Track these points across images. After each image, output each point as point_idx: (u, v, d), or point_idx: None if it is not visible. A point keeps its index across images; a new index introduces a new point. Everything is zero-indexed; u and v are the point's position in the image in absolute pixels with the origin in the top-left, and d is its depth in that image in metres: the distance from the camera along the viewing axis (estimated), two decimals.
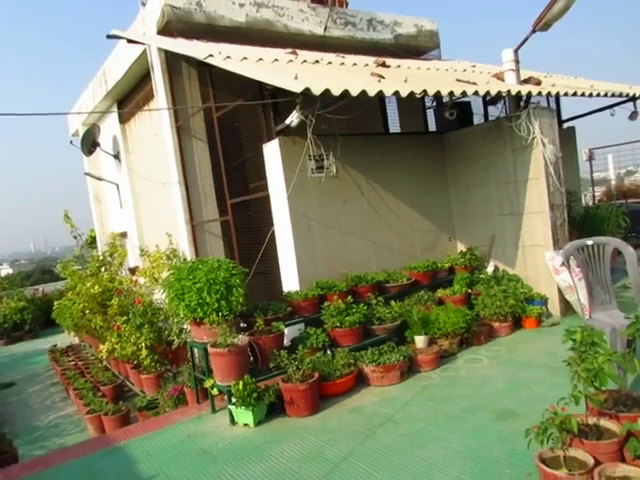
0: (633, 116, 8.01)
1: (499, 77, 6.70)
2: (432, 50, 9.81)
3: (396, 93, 4.77)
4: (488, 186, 6.66)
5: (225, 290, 4.36)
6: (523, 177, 6.17)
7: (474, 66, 8.74)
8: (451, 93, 5.19)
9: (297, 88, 4.21)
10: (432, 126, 8.28)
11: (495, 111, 8.22)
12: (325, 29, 8.21)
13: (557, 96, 6.77)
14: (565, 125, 8.91)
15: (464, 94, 5.34)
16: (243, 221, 6.63)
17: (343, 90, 4.40)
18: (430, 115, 8.41)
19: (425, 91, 4.95)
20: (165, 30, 6.93)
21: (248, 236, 6.55)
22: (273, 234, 5.68)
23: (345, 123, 5.52)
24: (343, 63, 6.47)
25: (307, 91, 4.23)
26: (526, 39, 6.29)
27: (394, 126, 8.23)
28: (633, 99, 7.64)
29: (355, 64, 6.53)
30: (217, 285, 4.33)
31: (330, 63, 6.32)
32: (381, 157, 6.40)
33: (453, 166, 7.10)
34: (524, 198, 6.21)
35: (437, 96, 5.25)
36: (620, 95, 7.19)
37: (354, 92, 4.48)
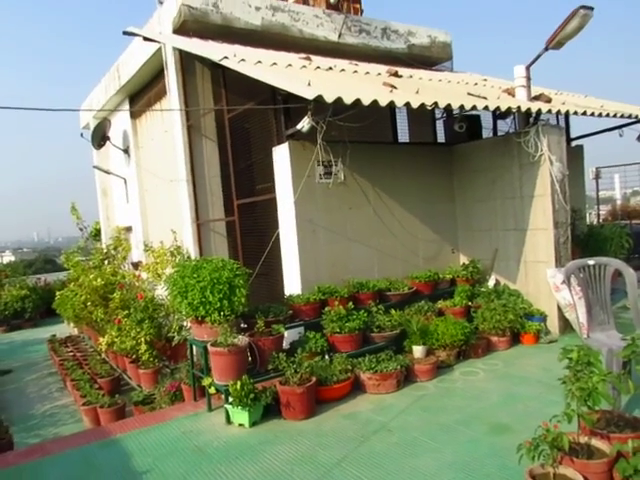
0: None
1: (510, 92, 6.76)
2: (445, 61, 9.89)
3: (407, 104, 4.84)
4: (494, 200, 6.72)
5: (228, 290, 4.42)
6: (529, 193, 6.23)
7: (485, 80, 8.80)
8: (461, 107, 5.25)
9: (310, 95, 4.28)
10: (441, 137, 8.34)
11: (504, 125, 8.28)
12: (339, 36, 8.30)
13: (567, 114, 6.82)
14: (573, 143, 8.95)
15: (474, 108, 5.40)
16: (248, 222, 6.69)
17: (355, 99, 4.47)
18: (440, 126, 8.48)
19: (436, 103, 5.02)
20: (181, 29, 7.02)
21: (253, 237, 6.61)
22: (278, 237, 5.75)
23: (355, 130, 5.58)
24: (356, 71, 6.54)
25: (320, 98, 4.30)
26: (539, 56, 6.36)
27: (403, 135, 8.30)
28: None
29: (368, 73, 6.59)
30: (220, 285, 4.39)
31: (343, 70, 6.39)
32: (389, 166, 6.46)
33: (460, 178, 7.16)
34: (529, 214, 6.25)
35: (447, 109, 5.31)
36: (629, 116, 7.24)
37: (366, 101, 4.55)
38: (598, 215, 13.90)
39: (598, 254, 7.60)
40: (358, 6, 9.66)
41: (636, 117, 7.38)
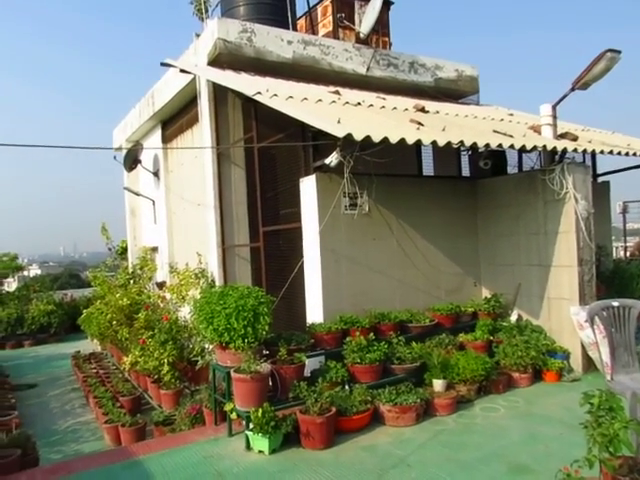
0: None
1: (536, 129, 6.87)
2: (471, 95, 10.08)
3: (434, 143, 5.00)
4: (517, 235, 6.77)
5: (252, 317, 4.56)
6: (553, 230, 6.27)
7: (511, 114, 8.94)
8: (487, 145, 5.38)
9: (340, 133, 4.48)
10: (466, 171, 8.46)
11: (529, 160, 8.36)
12: (368, 69, 8.58)
13: (593, 153, 6.87)
14: (600, 179, 8.95)
15: (500, 146, 5.52)
16: (273, 248, 6.88)
17: (383, 137, 4.64)
18: (464, 160, 8.61)
19: (462, 142, 5.16)
20: (215, 61, 7.38)
21: (276, 263, 6.79)
22: (301, 264, 5.90)
23: (381, 164, 5.75)
24: (384, 106, 6.74)
25: (349, 136, 4.49)
26: (565, 96, 6.47)
27: (428, 168, 8.45)
28: None
29: (395, 108, 6.79)
30: (245, 312, 4.54)
31: (371, 106, 6.60)
32: (413, 198, 6.60)
33: (484, 213, 7.25)
34: (553, 251, 6.28)
35: (473, 147, 5.44)
36: None
37: (393, 139, 4.72)
38: (625, 249, 13.75)
39: (623, 292, 7.56)
40: (387, 39, 9.98)
41: None
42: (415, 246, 6.51)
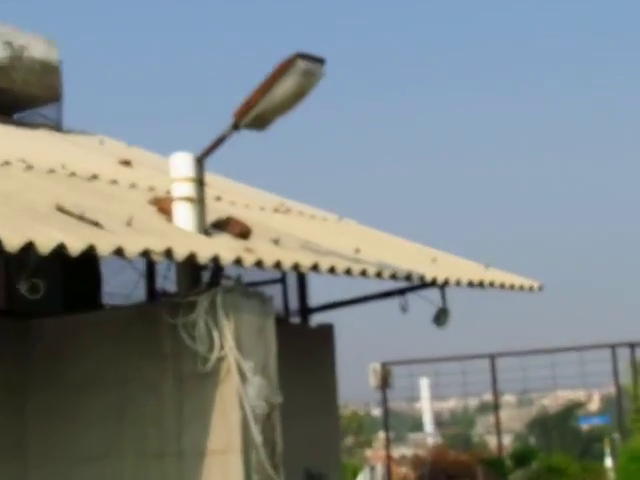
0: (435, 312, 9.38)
1: (163, 207, 7.09)
2: (43, 104, 10.70)
3: None
4: (119, 460, 6.83)
5: None
6: (195, 445, 6.43)
7: (127, 163, 9.36)
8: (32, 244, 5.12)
9: None
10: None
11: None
12: None
13: (280, 266, 7.28)
14: (315, 319, 9.85)
15: (66, 250, 5.32)
16: None
17: None
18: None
19: None
20: None
21: None
22: None
23: None
24: None
25: None
26: (221, 140, 6.94)
27: None
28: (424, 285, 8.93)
29: None
30: None
31: None
32: None
33: (45, 402, 7.26)
34: None
35: None
36: (408, 278, 8.26)
37: None
38: (389, 468, 14.82)
39: None
40: None
41: (421, 280, 8.51)
42: None
